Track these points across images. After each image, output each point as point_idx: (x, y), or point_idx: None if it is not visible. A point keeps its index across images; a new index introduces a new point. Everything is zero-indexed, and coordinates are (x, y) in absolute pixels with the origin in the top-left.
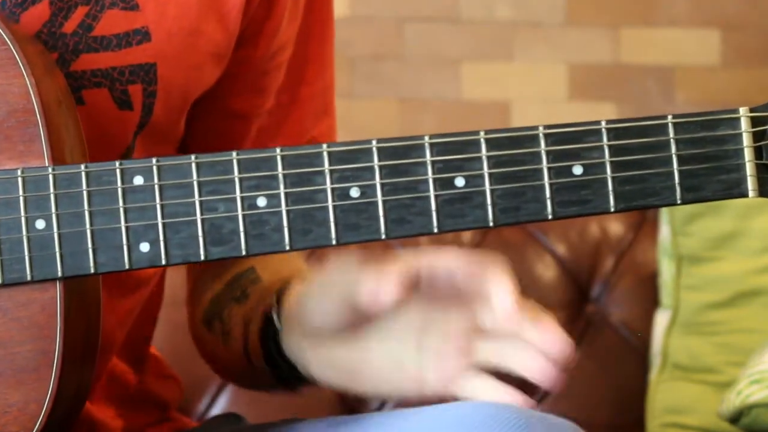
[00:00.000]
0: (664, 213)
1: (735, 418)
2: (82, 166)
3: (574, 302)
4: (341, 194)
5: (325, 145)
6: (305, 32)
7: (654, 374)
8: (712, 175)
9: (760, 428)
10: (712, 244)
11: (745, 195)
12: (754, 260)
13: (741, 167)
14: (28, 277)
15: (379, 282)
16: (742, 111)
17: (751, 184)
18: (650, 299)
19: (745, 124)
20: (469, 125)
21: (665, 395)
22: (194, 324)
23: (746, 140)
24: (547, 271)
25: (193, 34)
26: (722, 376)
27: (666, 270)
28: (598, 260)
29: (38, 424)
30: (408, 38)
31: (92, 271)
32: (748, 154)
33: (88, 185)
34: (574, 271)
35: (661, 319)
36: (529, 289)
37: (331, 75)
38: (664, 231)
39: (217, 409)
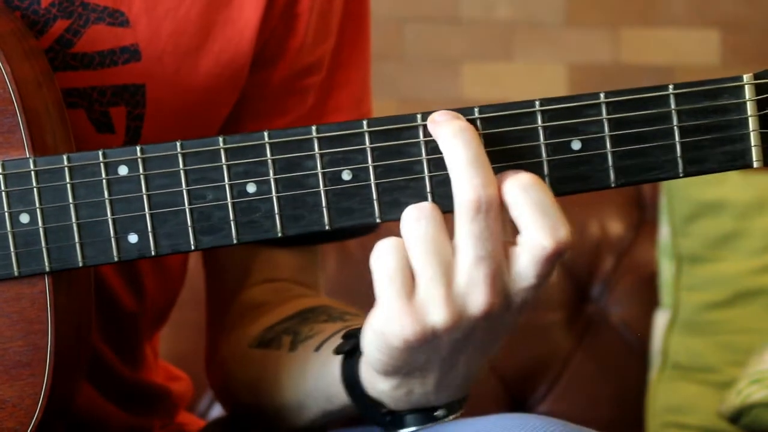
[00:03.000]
0: (664, 213)
1: (735, 418)
2: (65, 158)
3: (574, 302)
4: (333, 178)
5: (314, 129)
6: (336, 56)
7: (654, 374)
8: (715, 146)
9: (760, 428)
10: (712, 244)
11: (749, 165)
12: (754, 260)
13: (745, 137)
14: (15, 273)
15: None
16: (746, 78)
17: (755, 154)
18: (650, 299)
19: (749, 93)
20: None
21: (665, 395)
22: (234, 353)
23: (750, 109)
24: None
25: (193, 54)
26: (722, 376)
27: (666, 270)
28: (598, 260)
29: (34, 418)
30: (408, 38)
31: (80, 264)
32: (752, 123)
33: (71, 177)
34: (574, 271)
35: (661, 319)
36: None
37: (368, 104)
38: (664, 231)
39: (217, 409)
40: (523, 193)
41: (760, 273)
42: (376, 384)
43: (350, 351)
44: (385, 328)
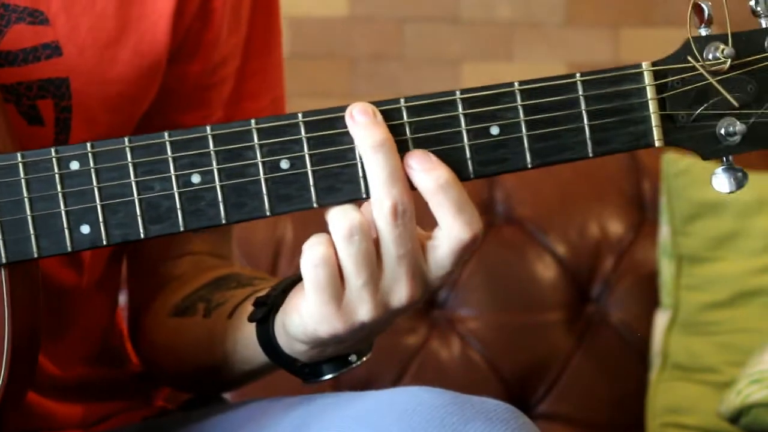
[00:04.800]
0: (664, 213)
1: (735, 418)
2: (19, 156)
3: (574, 302)
4: (272, 167)
5: (253, 121)
6: (248, 45)
7: (654, 374)
8: (620, 128)
9: (760, 428)
10: (712, 244)
11: (651, 145)
12: (754, 260)
13: (646, 119)
14: None
15: None
16: (645, 65)
17: (656, 134)
18: (650, 299)
19: (648, 78)
20: None
21: (665, 395)
22: (154, 323)
23: (650, 93)
24: (547, 271)
25: (111, 47)
26: (722, 376)
27: (666, 270)
28: (598, 260)
29: None
30: (408, 38)
31: (35, 255)
32: (652, 106)
33: (26, 173)
34: (574, 271)
35: (661, 319)
36: (529, 289)
37: (281, 88)
38: (664, 231)
39: None
40: (441, 192)
41: (760, 273)
42: (294, 346)
43: (262, 317)
44: (318, 327)
